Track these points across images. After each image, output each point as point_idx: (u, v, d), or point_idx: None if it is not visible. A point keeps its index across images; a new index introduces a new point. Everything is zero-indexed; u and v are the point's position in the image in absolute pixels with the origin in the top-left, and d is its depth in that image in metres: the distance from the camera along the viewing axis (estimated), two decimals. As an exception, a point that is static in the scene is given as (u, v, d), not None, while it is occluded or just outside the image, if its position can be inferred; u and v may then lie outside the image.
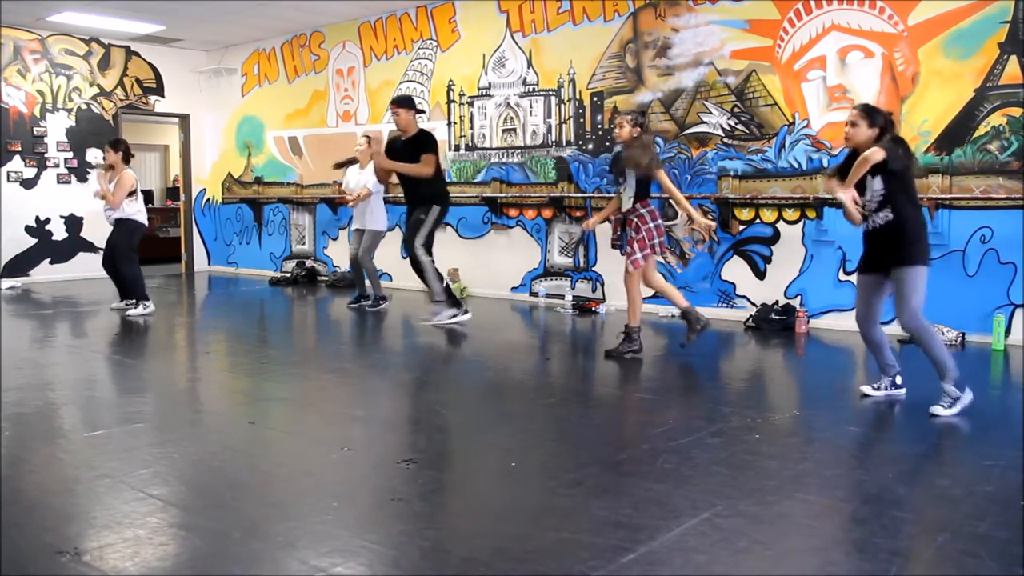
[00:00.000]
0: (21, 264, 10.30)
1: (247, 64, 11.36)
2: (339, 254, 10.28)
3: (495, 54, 8.62)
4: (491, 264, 8.76)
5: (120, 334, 6.74)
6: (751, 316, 6.77)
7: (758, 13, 6.82)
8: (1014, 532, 2.67)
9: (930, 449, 3.75)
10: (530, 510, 2.91)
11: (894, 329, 5.03)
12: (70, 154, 10.62)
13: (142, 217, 7.53)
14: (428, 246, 6.62)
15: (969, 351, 5.77)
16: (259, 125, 11.31)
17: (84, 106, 10.73)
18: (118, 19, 9.79)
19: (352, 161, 8.00)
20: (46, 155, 10.45)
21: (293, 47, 10.71)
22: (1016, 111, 5.72)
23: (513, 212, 8.60)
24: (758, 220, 6.95)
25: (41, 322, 7.59)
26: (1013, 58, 5.71)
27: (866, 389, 4.44)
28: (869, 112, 4.21)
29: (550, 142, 8.28)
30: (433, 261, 6.67)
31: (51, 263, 10.54)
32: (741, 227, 7.03)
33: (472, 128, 8.90)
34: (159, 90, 11.46)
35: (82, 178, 10.64)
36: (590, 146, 7.97)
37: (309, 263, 10.60)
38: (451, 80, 9.03)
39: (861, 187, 4.16)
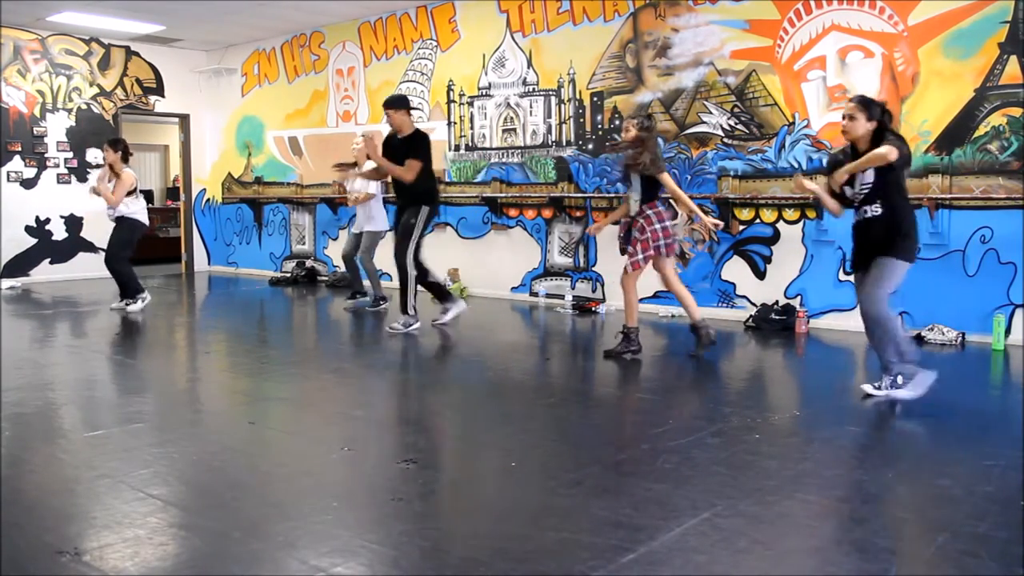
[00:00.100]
0: (21, 264, 10.30)
1: (247, 64, 11.36)
2: (339, 254, 10.25)
3: (495, 54, 8.62)
4: (491, 264, 8.77)
5: (120, 334, 6.75)
6: (751, 316, 6.77)
7: (758, 13, 6.82)
8: (1014, 532, 2.67)
9: (930, 449, 3.75)
10: (530, 510, 2.90)
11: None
12: (70, 154, 10.63)
13: (143, 216, 7.59)
14: (417, 252, 6.57)
15: (969, 351, 5.77)
16: (259, 125, 11.31)
17: (84, 106, 10.73)
18: (118, 19, 9.79)
19: (353, 165, 7.98)
20: (46, 155, 10.45)
21: (293, 47, 10.71)
22: (1016, 111, 5.72)
23: (513, 212, 8.60)
24: (758, 220, 6.96)
25: (41, 322, 7.60)
26: (1013, 58, 5.71)
27: (867, 388, 4.44)
28: (867, 104, 4.18)
29: (550, 142, 8.28)
30: (423, 273, 6.61)
31: (51, 263, 10.54)
32: (741, 227, 7.03)
33: (472, 128, 8.89)
34: (159, 90, 11.46)
35: (82, 178, 10.63)
36: (590, 146, 7.97)
37: (309, 263, 10.60)
38: (451, 80, 9.03)
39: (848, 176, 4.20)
